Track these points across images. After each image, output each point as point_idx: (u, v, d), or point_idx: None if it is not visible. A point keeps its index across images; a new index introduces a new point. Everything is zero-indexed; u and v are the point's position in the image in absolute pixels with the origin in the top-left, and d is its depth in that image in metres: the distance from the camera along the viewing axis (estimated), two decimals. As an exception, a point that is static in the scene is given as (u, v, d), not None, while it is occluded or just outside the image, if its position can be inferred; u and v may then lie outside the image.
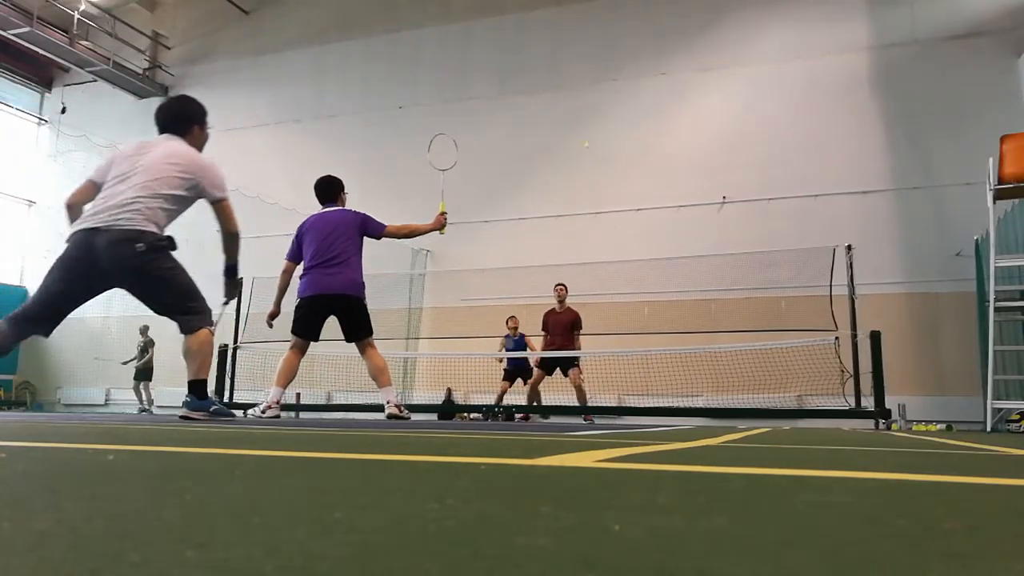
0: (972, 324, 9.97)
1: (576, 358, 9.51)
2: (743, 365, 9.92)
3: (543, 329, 9.81)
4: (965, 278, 10.32)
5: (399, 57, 15.24)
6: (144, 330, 13.49)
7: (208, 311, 4.20)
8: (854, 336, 8.91)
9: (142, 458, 1.39)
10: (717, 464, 1.49)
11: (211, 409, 4.23)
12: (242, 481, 0.96)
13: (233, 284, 4.50)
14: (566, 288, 9.80)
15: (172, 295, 4.05)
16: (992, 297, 6.74)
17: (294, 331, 5.57)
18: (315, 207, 5.93)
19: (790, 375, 9.53)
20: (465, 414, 10.54)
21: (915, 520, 0.72)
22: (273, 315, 5.83)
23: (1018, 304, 7.37)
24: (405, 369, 12.80)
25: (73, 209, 4.09)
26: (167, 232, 4.07)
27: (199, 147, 4.33)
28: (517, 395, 10.07)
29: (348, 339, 5.52)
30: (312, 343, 5.65)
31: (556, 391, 10.52)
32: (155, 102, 16.94)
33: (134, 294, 4.07)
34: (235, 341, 10.93)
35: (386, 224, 5.66)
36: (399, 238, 5.83)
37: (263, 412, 5.51)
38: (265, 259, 14.33)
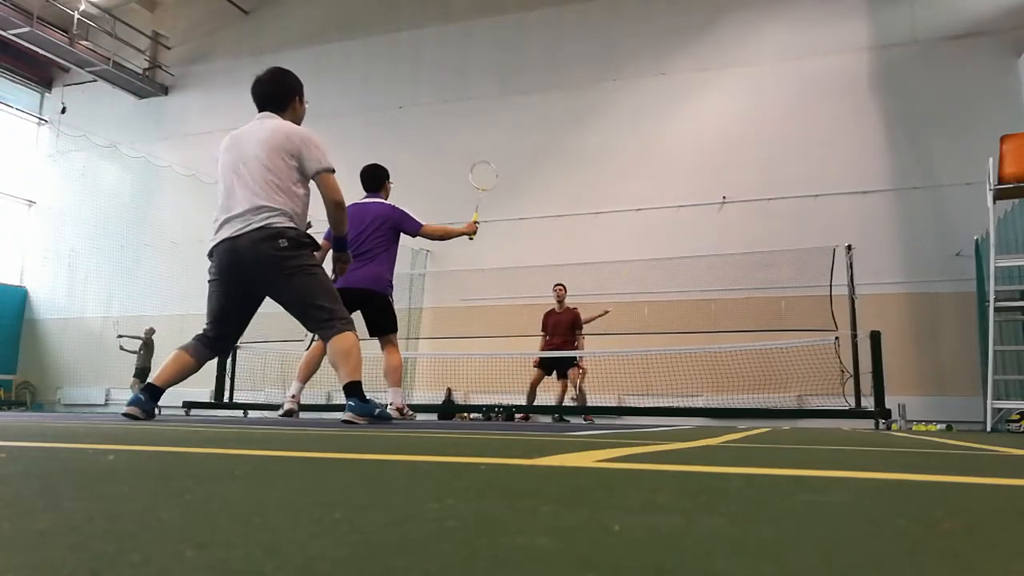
0: (972, 324, 9.97)
1: (575, 357, 9.49)
2: (743, 365, 9.92)
3: (543, 330, 9.80)
4: (965, 278, 10.32)
5: (399, 57, 15.24)
6: (150, 332, 13.48)
7: (347, 315, 4.12)
8: (854, 336, 8.91)
9: (142, 458, 1.39)
10: (717, 464, 1.49)
11: (375, 413, 4.07)
12: (242, 481, 0.96)
13: (343, 259, 4.46)
14: (565, 288, 9.79)
15: (314, 296, 4.01)
16: (992, 297, 6.74)
17: None
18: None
19: (790, 375, 9.54)
20: (465, 414, 10.54)
21: (915, 520, 0.72)
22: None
23: (1018, 304, 7.36)
24: (405, 369, 12.77)
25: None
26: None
27: (298, 121, 4.23)
28: (512, 394, 10.07)
29: (371, 333, 5.45)
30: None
31: (571, 393, 10.52)
32: (155, 102, 17.11)
33: (277, 298, 4.09)
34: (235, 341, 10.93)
35: (423, 223, 5.56)
36: (433, 239, 5.79)
37: (281, 413, 5.48)
38: (265, 259, 14.40)
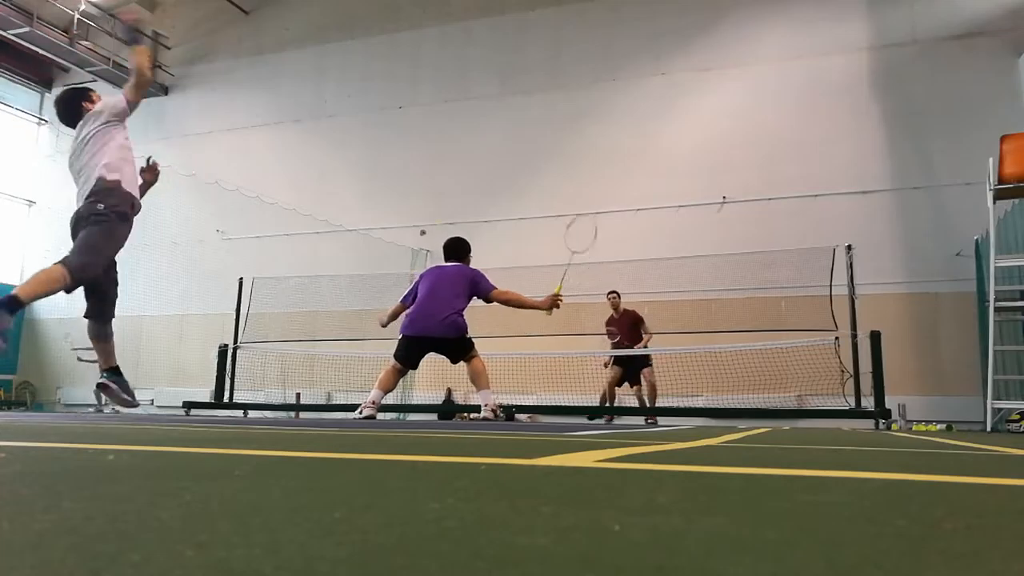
0: (972, 324, 9.97)
1: (648, 357, 9.61)
2: (743, 365, 9.91)
3: (608, 337, 9.92)
4: (965, 278, 10.31)
5: (399, 57, 15.24)
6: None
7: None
8: (854, 336, 8.91)
9: (142, 458, 1.39)
10: (717, 464, 1.49)
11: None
12: (242, 481, 0.96)
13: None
14: (619, 295, 9.92)
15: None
16: (992, 297, 6.75)
17: (396, 356, 5.99)
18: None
19: (790, 375, 9.53)
20: (465, 414, 10.53)
21: (915, 520, 0.72)
22: (383, 323, 6.34)
23: (1018, 304, 7.37)
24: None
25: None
26: None
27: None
28: (518, 395, 10.07)
29: (454, 362, 6.10)
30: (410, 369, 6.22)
31: (560, 392, 10.52)
32: (155, 102, 17.12)
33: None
34: (235, 341, 10.93)
35: (496, 287, 6.03)
36: (502, 303, 6.12)
37: (359, 413, 5.92)
38: (265, 259, 14.41)
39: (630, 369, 9.71)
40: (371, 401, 5.82)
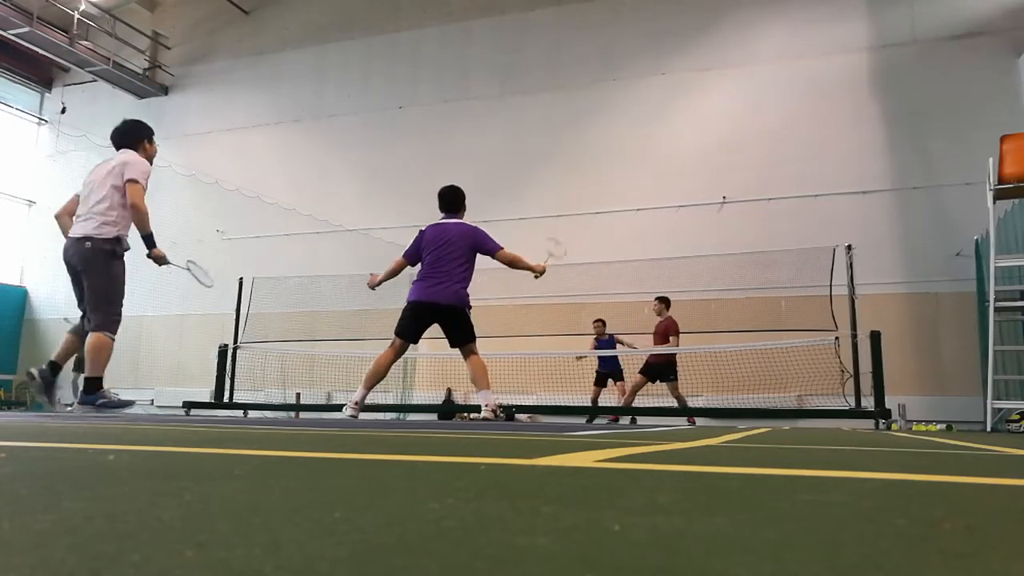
0: (972, 324, 9.97)
1: (672, 370, 9.81)
2: (743, 365, 9.91)
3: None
4: (965, 278, 10.31)
5: (399, 57, 15.24)
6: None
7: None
8: (854, 336, 8.90)
9: (142, 458, 1.39)
10: (717, 464, 1.49)
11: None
12: (242, 481, 0.96)
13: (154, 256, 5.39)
14: (660, 301, 10.06)
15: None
16: (992, 297, 6.74)
17: (397, 332, 5.83)
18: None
19: (790, 375, 9.53)
20: (465, 414, 10.54)
21: (915, 520, 0.72)
22: (372, 284, 6.24)
23: (1018, 304, 7.36)
24: (405, 369, 12.79)
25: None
26: None
27: (149, 159, 5.40)
28: (539, 395, 10.07)
29: (452, 345, 5.90)
30: (411, 344, 6.04)
31: (560, 392, 10.52)
32: (155, 102, 17.11)
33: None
34: (235, 341, 10.93)
35: (502, 246, 5.94)
36: (505, 264, 6.09)
37: (345, 412, 5.84)
38: (265, 259, 14.41)
39: (655, 378, 9.92)
40: (354, 402, 5.74)
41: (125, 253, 5.22)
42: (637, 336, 10.52)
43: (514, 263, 6.05)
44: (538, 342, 10.97)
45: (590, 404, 10.10)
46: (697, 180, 12.39)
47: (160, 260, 5.42)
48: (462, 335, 5.82)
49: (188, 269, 6.08)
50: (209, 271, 6.12)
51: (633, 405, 9.94)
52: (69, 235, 5.16)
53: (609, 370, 10.51)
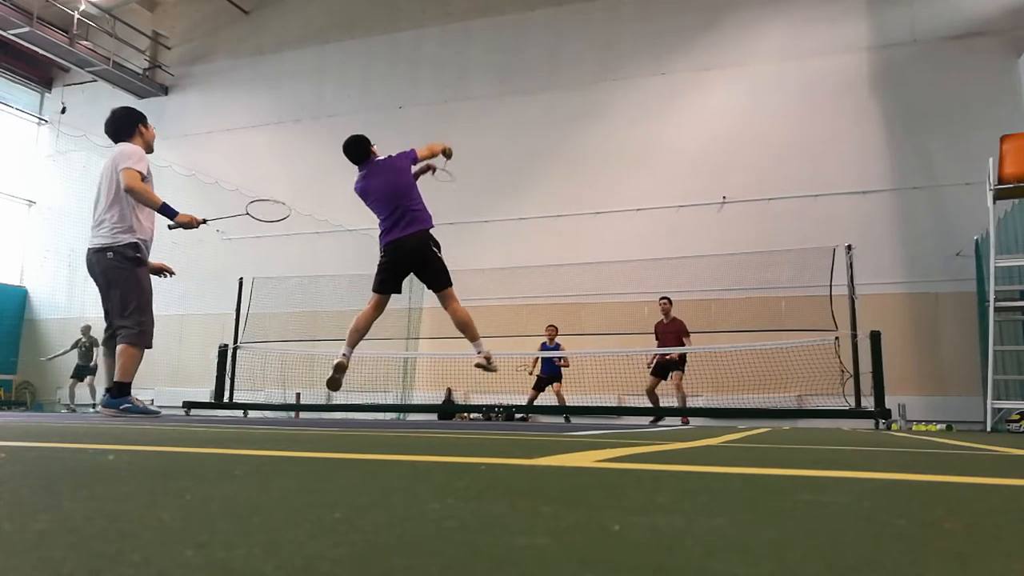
0: (972, 324, 9.97)
1: (683, 363, 9.87)
2: (743, 365, 9.92)
3: (656, 339, 10.12)
4: (965, 278, 10.31)
5: (399, 57, 15.24)
6: (86, 330, 13.36)
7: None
8: (854, 336, 8.91)
9: (142, 458, 1.39)
10: (717, 464, 1.49)
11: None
12: (242, 481, 0.96)
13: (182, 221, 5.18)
14: (670, 301, 10.10)
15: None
16: (992, 297, 6.75)
17: (373, 288, 5.64)
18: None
19: (790, 375, 9.53)
20: (465, 414, 10.54)
21: (915, 520, 0.72)
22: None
23: (1018, 304, 7.37)
24: (405, 369, 12.79)
25: None
26: None
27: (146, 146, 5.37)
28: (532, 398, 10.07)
29: (430, 289, 5.67)
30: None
31: (571, 393, 10.52)
32: (155, 102, 17.11)
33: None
34: (235, 341, 10.93)
35: (414, 148, 5.76)
36: (426, 157, 5.86)
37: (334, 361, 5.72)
38: (265, 259, 14.41)
39: (664, 374, 9.98)
40: (342, 354, 5.61)
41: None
42: (637, 336, 10.53)
43: (431, 150, 5.87)
44: (538, 342, 10.97)
45: (526, 404, 10.11)
46: (697, 180, 12.39)
47: (189, 225, 5.13)
48: (437, 278, 5.54)
49: (248, 213, 5.92)
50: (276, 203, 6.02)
51: (631, 405, 9.95)
52: (88, 247, 5.03)
53: (549, 375, 10.58)
